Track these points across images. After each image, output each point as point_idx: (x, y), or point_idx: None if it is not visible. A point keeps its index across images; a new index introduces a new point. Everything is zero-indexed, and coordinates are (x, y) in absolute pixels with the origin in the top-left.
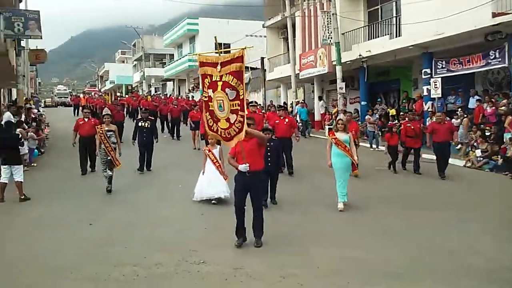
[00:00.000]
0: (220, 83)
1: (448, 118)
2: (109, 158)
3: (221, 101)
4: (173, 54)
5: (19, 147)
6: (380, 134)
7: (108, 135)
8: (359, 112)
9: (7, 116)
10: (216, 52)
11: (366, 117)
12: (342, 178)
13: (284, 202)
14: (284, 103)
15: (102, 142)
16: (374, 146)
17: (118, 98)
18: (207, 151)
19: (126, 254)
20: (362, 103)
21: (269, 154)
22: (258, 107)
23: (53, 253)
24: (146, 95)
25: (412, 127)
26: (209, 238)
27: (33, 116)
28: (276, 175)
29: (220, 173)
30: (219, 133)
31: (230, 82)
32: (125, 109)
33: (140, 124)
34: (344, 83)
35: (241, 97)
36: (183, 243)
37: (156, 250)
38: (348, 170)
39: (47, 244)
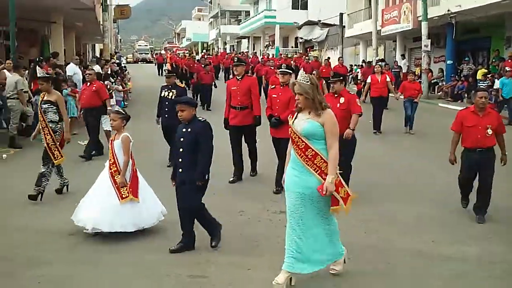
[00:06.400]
0: None
1: None
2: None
3: None
4: (249, 11)
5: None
6: (466, 96)
7: (43, 109)
8: (444, 72)
9: (97, 68)
10: None
11: None
12: (295, 222)
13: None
14: (363, 61)
15: (39, 120)
16: None
17: (206, 56)
18: (110, 142)
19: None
20: (448, 62)
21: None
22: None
23: None
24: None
25: None
26: None
27: (118, 70)
28: None
29: (113, 185)
30: None
31: None
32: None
33: (163, 93)
34: (429, 40)
35: None
36: (265, 192)
37: (240, 200)
38: (311, 204)
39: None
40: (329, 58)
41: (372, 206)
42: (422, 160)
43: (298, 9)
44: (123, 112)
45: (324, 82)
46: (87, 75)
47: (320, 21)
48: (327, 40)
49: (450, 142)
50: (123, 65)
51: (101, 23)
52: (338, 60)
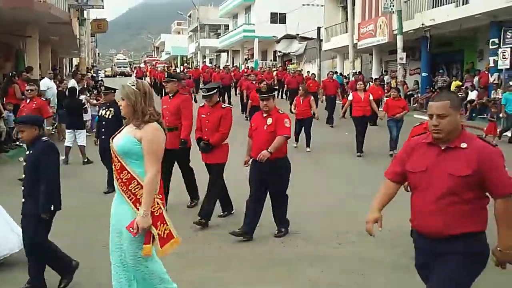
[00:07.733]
0: None
1: None
2: None
3: None
4: (228, 25)
5: (83, 113)
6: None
7: None
8: (419, 84)
9: (72, 83)
10: None
11: None
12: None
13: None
14: (341, 74)
15: None
16: None
17: (186, 70)
18: None
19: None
20: (423, 74)
21: None
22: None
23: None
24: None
25: None
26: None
27: (94, 84)
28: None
29: None
30: None
31: None
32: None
33: (100, 112)
34: (404, 53)
35: None
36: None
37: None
38: (118, 240)
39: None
40: (308, 72)
41: (346, 218)
42: None
43: (277, 23)
44: None
45: (312, 98)
46: (28, 91)
47: (298, 35)
48: (305, 54)
49: None
50: (99, 79)
51: (78, 37)
52: (327, 75)
